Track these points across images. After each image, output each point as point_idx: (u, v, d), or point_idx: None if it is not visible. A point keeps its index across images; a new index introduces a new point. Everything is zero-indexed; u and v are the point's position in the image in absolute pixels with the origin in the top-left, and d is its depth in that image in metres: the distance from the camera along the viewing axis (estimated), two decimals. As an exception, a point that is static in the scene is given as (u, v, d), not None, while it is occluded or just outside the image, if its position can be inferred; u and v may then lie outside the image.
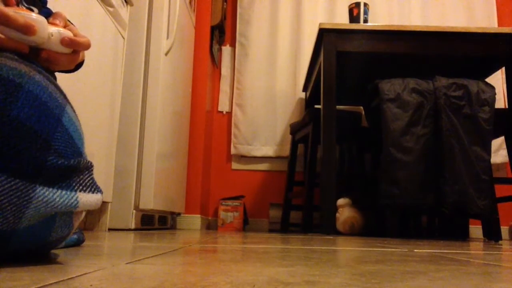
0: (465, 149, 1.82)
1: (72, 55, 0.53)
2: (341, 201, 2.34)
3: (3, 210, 0.35)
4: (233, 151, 2.92)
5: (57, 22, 0.51)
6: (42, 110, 0.38)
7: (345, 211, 2.24)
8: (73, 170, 0.39)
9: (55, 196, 0.37)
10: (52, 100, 0.41)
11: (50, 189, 0.37)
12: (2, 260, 0.41)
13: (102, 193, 0.44)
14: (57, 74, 0.58)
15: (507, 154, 2.37)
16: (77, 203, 0.39)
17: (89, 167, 0.42)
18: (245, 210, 2.76)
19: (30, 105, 0.37)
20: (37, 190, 0.36)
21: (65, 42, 0.50)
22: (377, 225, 2.37)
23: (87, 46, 0.53)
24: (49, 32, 0.50)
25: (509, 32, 2.01)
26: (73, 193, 0.39)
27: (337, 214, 2.25)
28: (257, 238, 1.27)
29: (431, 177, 1.82)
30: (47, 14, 0.67)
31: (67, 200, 0.38)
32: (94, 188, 0.42)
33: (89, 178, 0.42)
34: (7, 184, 0.35)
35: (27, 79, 0.39)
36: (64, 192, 0.38)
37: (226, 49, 3.06)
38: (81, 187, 0.40)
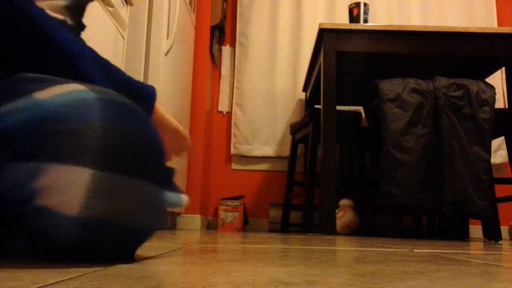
0: (465, 149, 1.82)
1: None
2: (343, 201, 2.34)
3: (152, 210, 0.44)
4: (233, 151, 2.92)
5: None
6: (156, 131, 0.48)
7: (347, 214, 2.25)
8: (174, 175, 0.50)
9: (173, 196, 0.48)
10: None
11: (171, 192, 0.48)
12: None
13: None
14: None
15: (507, 154, 2.37)
16: (182, 201, 0.51)
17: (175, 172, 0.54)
18: (245, 210, 2.76)
19: (153, 128, 0.47)
20: (166, 193, 0.46)
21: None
22: (372, 225, 2.38)
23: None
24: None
25: (509, 32, 2.01)
26: (178, 193, 0.50)
27: (339, 214, 2.25)
28: (257, 238, 1.27)
29: (431, 177, 1.82)
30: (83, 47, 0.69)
31: (177, 199, 0.49)
32: (180, 189, 0.53)
33: (175, 182, 0.52)
34: (153, 191, 0.44)
35: (139, 109, 0.48)
36: (176, 194, 0.49)
37: (226, 49, 3.06)
38: (177, 189, 0.52)
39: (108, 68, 0.55)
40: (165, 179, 0.46)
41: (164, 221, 0.54)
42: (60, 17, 0.60)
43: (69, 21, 0.63)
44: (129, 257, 0.49)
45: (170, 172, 0.48)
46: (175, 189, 0.50)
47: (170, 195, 0.47)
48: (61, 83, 0.45)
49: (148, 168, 0.43)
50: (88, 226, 0.40)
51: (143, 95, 0.58)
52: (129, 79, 0.58)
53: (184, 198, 0.52)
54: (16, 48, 0.47)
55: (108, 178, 0.40)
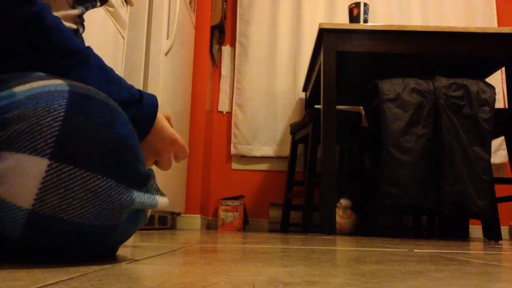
0: (465, 149, 1.82)
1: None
2: (341, 202, 2.34)
3: (113, 209, 0.42)
4: (233, 151, 2.92)
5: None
6: (130, 128, 0.47)
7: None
8: (150, 177, 0.48)
9: (145, 197, 0.47)
10: (128, 119, 0.48)
11: (142, 193, 0.46)
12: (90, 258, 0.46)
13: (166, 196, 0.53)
14: None
15: (507, 154, 2.37)
16: (157, 203, 0.49)
17: (154, 175, 0.51)
18: (245, 210, 2.76)
19: (125, 124, 0.46)
20: (134, 193, 0.45)
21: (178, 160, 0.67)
22: (372, 225, 2.37)
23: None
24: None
25: (509, 32, 2.01)
26: (153, 195, 0.48)
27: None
28: (257, 238, 1.27)
29: (431, 177, 1.82)
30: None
31: (150, 201, 0.47)
32: (161, 192, 0.52)
33: (156, 184, 0.51)
34: (116, 188, 0.43)
35: (113, 102, 0.47)
36: (148, 194, 0.48)
37: (226, 49, 3.06)
38: (155, 191, 0.50)
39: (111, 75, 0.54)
40: (134, 178, 0.45)
41: (144, 221, 0.50)
42: (74, 26, 0.61)
43: (81, 29, 0.63)
44: (97, 257, 0.47)
45: (144, 173, 0.46)
46: (150, 190, 0.48)
47: (140, 196, 0.45)
48: (43, 78, 0.44)
49: (110, 164, 0.42)
50: (39, 220, 0.39)
51: (146, 104, 0.57)
52: (129, 86, 0.56)
53: (161, 200, 0.50)
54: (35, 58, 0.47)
55: (65, 171, 0.39)
